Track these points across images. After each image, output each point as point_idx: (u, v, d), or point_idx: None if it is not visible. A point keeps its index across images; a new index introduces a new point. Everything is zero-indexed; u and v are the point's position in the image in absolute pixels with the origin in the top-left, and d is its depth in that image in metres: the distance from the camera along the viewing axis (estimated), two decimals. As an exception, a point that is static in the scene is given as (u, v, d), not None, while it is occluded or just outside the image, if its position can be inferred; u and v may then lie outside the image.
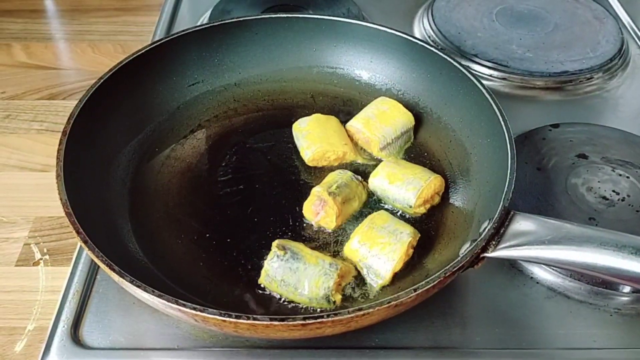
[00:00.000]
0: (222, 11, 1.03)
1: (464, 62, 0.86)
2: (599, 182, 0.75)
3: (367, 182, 0.70)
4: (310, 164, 0.74)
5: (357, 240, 0.63)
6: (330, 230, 0.67)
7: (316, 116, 0.77)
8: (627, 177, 0.75)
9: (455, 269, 0.53)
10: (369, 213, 0.67)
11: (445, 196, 0.71)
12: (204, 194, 0.71)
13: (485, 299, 0.66)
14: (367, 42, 0.82)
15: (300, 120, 0.77)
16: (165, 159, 0.75)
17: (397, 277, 0.62)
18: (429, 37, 1.01)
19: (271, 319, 0.49)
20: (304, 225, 0.68)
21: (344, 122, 0.77)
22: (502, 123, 0.66)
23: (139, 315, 0.63)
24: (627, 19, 1.08)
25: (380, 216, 0.65)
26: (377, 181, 0.70)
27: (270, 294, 0.62)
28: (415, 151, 0.76)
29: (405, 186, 0.68)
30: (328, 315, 0.49)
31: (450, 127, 0.76)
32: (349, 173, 0.70)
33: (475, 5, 1.06)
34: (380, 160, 0.74)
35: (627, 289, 0.65)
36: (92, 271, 0.67)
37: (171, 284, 0.61)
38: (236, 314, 0.50)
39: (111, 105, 0.72)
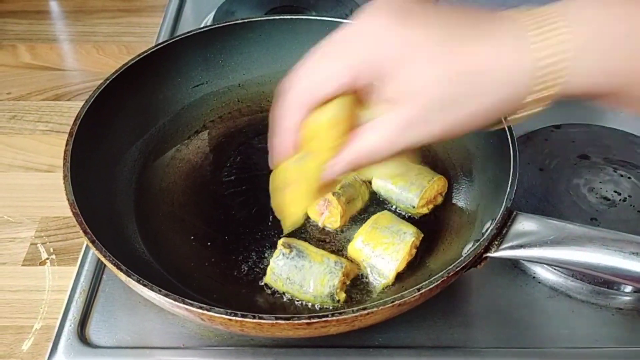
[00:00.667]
0: (226, 12, 1.03)
1: (466, 63, 0.86)
2: (600, 182, 0.75)
3: (370, 183, 0.71)
4: (314, 165, 0.74)
5: (360, 240, 0.64)
6: (334, 230, 0.68)
7: (319, 116, 0.77)
8: (629, 178, 0.76)
9: (458, 269, 0.54)
10: (373, 213, 0.67)
11: (448, 196, 0.71)
12: (208, 194, 0.72)
13: (487, 298, 0.66)
14: (370, 43, 0.83)
15: (304, 121, 0.77)
16: (170, 160, 0.75)
17: (400, 277, 0.63)
18: (432, 38, 1.01)
19: (277, 318, 0.50)
20: (309, 224, 0.69)
21: (347, 123, 0.77)
22: (505, 123, 0.66)
23: (145, 314, 0.64)
24: (629, 20, 1.09)
25: (384, 216, 0.65)
26: (381, 182, 0.70)
27: (275, 292, 0.62)
28: (418, 152, 0.77)
29: (408, 187, 0.68)
30: (333, 315, 0.50)
31: (453, 128, 0.76)
32: (352, 173, 0.70)
33: (478, 7, 1.06)
34: (383, 161, 0.74)
35: (628, 288, 0.66)
36: (98, 271, 0.68)
37: (177, 283, 0.62)
38: (242, 312, 0.50)
39: (116, 107, 0.72)
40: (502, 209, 0.58)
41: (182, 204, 0.71)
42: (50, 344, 0.62)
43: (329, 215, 0.67)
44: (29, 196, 0.84)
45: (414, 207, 0.68)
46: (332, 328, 0.52)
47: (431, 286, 0.52)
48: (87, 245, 0.70)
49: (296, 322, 0.50)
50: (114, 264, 0.54)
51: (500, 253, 0.56)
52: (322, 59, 0.48)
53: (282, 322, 0.50)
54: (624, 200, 0.73)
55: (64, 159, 0.62)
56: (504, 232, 0.57)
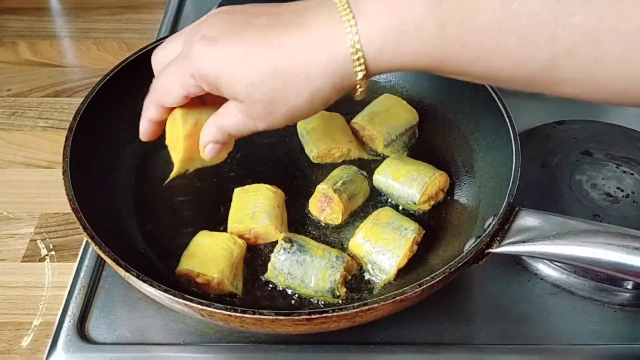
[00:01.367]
0: (226, 9, 1.03)
1: (468, 59, 0.85)
2: (603, 179, 0.75)
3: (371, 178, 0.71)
4: (315, 161, 0.74)
5: (361, 236, 0.63)
6: (335, 226, 0.67)
7: (321, 113, 0.76)
8: (632, 174, 0.75)
9: (460, 264, 0.53)
10: (374, 209, 0.67)
11: (449, 193, 0.71)
12: (209, 190, 0.71)
13: (489, 294, 0.66)
14: (372, 39, 0.82)
15: (305, 117, 0.77)
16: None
17: (401, 273, 0.63)
18: (433, 34, 1.00)
19: (277, 314, 0.50)
20: (310, 220, 0.68)
21: (348, 119, 0.77)
22: (507, 120, 0.66)
23: (144, 310, 0.64)
24: (632, 16, 1.08)
25: (385, 212, 0.65)
26: (382, 178, 0.70)
27: (276, 288, 0.62)
28: (420, 148, 0.76)
29: (410, 183, 0.68)
30: (333, 310, 0.50)
31: (455, 124, 0.76)
32: (354, 168, 0.70)
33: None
34: (385, 156, 0.74)
35: (631, 284, 0.65)
36: (98, 267, 0.68)
37: (177, 279, 0.62)
38: (242, 308, 0.50)
39: (116, 102, 0.72)
40: (504, 204, 0.57)
41: (182, 199, 0.71)
42: (50, 340, 0.62)
43: (330, 212, 0.67)
44: (28, 192, 0.83)
45: (415, 203, 0.68)
46: (332, 324, 0.52)
47: (433, 282, 0.52)
48: (86, 242, 0.69)
49: (296, 318, 0.50)
50: (114, 260, 0.54)
51: (502, 249, 0.56)
52: (170, 68, 0.52)
53: (282, 317, 0.50)
54: (627, 196, 0.73)
55: (64, 154, 0.62)
56: (506, 227, 0.56)
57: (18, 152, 0.89)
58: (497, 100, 0.68)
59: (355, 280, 0.63)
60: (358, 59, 0.45)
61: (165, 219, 0.69)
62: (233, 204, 0.67)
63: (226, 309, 0.50)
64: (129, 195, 0.70)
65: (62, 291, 0.67)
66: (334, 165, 0.73)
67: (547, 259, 0.66)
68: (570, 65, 0.41)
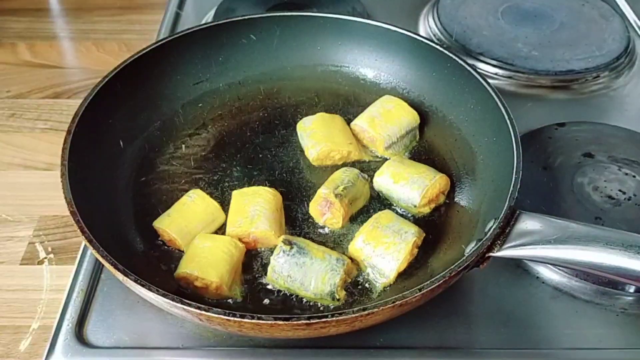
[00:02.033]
0: (226, 9, 1.03)
1: (469, 61, 0.85)
2: (605, 181, 0.74)
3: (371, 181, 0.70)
4: (314, 163, 0.74)
5: (361, 239, 0.63)
6: (335, 229, 0.67)
7: (321, 115, 0.76)
8: (634, 176, 0.75)
9: (460, 268, 0.53)
10: (374, 212, 0.66)
11: (450, 195, 0.70)
12: (208, 192, 0.71)
13: (490, 298, 0.65)
14: (372, 40, 0.82)
15: (304, 119, 0.76)
16: (169, 158, 0.75)
17: (401, 276, 0.62)
18: (434, 35, 1.00)
19: (275, 319, 0.49)
20: (310, 223, 0.68)
21: (348, 121, 0.77)
22: (508, 122, 0.66)
23: (143, 314, 0.63)
24: (634, 17, 1.08)
25: (385, 215, 0.65)
26: (382, 180, 0.69)
27: (276, 291, 0.61)
28: (421, 150, 0.76)
29: (410, 185, 0.68)
30: (332, 315, 0.49)
31: (456, 126, 0.75)
32: (356, 171, 0.69)
33: (481, 4, 1.05)
34: (385, 158, 0.73)
35: (633, 288, 0.65)
36: (97, 270, 0.67)
37: (175, 282, 0.61)
38: (240, 313, 0.49)
39: (115, 104, 0.72)
40: (505, 207, 0.57)
41: (181, 202, 0.70)
42: (48, 344, 0.61)
43: (330, 216, 0.67)
44: (27, 195, 0.83)
45: (415, 206, 0.67)
46: (331, 328, 0.51)
47: (433, 286, 0.52)
48: (85, 244, 0.69)
49: (295, 322, 0.49)
50: (112, 264, 0.53)
51: (503, 252, 0.55)
52: None
53: (281, 322, 0.49)
54: (629, 199, 0.72)
55: (62, 157, 0.62)
56: (507, 231, 0.56)
57: (17, 154, 0.89)
58: (498, 102, 0.68)
59: (355, 284, 0.62)
60: None
61: (164, 221, 0.68)
62: (231, 207, 0.67)
63: (224, 314, 0.49)
64: (128, 198, 0.70)
65: (61, 294, 0.66)
66: (334, 167, 0.72)
67: (548, 263, 0.65)
68: None
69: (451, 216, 0.68)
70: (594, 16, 1.04)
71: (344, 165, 0.73)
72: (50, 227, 0.78)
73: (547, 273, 0.67)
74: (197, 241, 0.63)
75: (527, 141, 0.78)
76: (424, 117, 0.78)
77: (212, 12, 1.04)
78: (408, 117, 0.75)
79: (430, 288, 0.52)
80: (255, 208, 0.65)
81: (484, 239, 0.55)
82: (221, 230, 0.67)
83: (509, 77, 0.92)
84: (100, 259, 0.54)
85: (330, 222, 0.67)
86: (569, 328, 0.63)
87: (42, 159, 0.88)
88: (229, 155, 0.76)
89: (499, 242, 0.55)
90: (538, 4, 1.06)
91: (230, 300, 0.61)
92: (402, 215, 0.67)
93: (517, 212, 0.57)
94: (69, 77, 1.03)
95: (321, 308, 0.60)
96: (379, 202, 0.70)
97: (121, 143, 0.72)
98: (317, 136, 0.74)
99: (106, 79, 0.71)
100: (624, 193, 0.73)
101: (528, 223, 0.56)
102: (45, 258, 0.75)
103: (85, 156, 0.65)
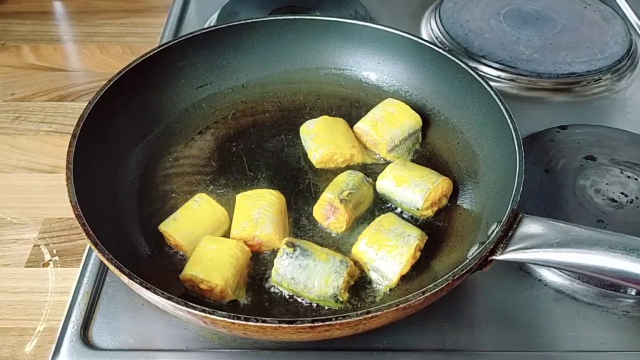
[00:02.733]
0: (229, 13, 1.03)
1: (471, 64, 0.86)
2: (607, 184, 0.75)
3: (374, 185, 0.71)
4: (318, 166, 0.74)
5: (364, 242, 0.63)
6: (338, 232, 0.67)
7: (324, 118, 0.77)
8: (636, 179, 0.75)
9: (463, 271, 0.53)
10: (377, 215, 0.67)
11: (453, 198, 0.70)
12: (212, 195, 0.71)
13: (493, 301, 0.66)
14: (375, 43, 0.82)
15: (307, 122, 0.77)
16: (173, 161, 0.75)
17: (404, 279, 0.63)
18: (437, 38, 1.00)
19: (280, 322, 0.50)
20: (313, 226, 0.68)
21: (351, 124, 0.77)
22: (510, 125, 0.66)
23: (148, 316, 0.64)
24: (636, 20, 1.08)
25: (388, 219, 0.65)
26: (385, 183, 0.70)
27: (281, 294, 0.62)
28: (423, 153, 0.76)
29: (413, 188, 0.68)
30: (336, 318, 0.50)
31: (458, 129, 0.76)
32: (360, 175, 0.70)
33: (483, 7, 1.06)
34: (388, 161, 0.74)
35: (635, 291, 0.65)
36: (102, 272, 0.68)
37: (180, 285, 0.62)
38: (245, 316, 0.50)
39: (120, 107, 0.72)
40: (507, 211, 0.57)
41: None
42: (53, 346, 0.62)
43: (334, 220, 0.67)
44: (32, 197, 0.84)
45: (418, 209, 0.68)
46: (335, 332, 0.52)
47: (436, 289, 0.52)
48: (90, 247, 0.69)
49: (299, 325, 0.50)
50: (117, 267, 0.54)
51: (506, 256, 0.55)
52: None
53: (286, 325, 0.50)
54: (631, 202, 0.73)
55: (67, 160, 0.62)
56: (510, 234, 0.56)
57: (22, 157, 0.89)
58: (501, 105, 0.68)
59: (358, 287, 0.62)
60: None
61: (168, 224, 0.69)
62: (236, 210, 0.67)
63: (229, 317, 0.50)
64: (133, 201, 0.70)
65: (66, 297, 0.67)
66: (337, 170, 0.72)
67: (550, 266, 0.65)
68: None
69: (454, 219, 0.69)
70: (596, 19, 1.04)
71: (347, 168, 0.74)
72: (55, 230, 0.79)
73: (549, 276, 0.67)
74: (203, 243, 0.63)
75: (529, 144, 0.79)
76: (427, 120, 0.78)
77: (215, 16, 1.04)
78: (410, 120, 0.76)
79: (433, 291, 0.52)
80: (259, 211, 0.65)
81: (486, 242, 0.56)
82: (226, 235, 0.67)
83: (511, 80, 0.92)
84: (105, 262, 0.54)
85: (334, 226, 0.67)
86: (571, 330, 0.63)
87: (46, 161, 0.89)
88: (233, 159, 0.76)
89: (501, 245, 0.56)
90: (540, 6, 1.06)
91: (235, 303, 0.61)
92: (404, 219, 0.68)
93: (520, 215, 0.57)
94: (73, 80, 1.03)
95: (326, 310, 0.60)
96: (381, 205, 0.70)
97: (126, 146, 0.73)
98: (320, 139, 0.74)
99: (110, 83, 0.71)
100: (626, 196, 0.73)
101: (530, 226, 0.57)
102: (50, 260, 0.76)
103: (90, 159, 0.65)
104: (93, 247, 0.55)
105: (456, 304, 0.65)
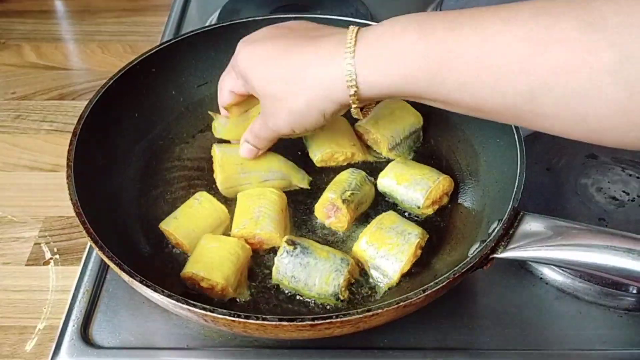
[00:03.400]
0: (230, 11, 1.03)
1: (472, 62, 0.85)
2: (608, 182, 0.74)
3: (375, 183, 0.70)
4: (318, 165, 0.74)
5: (365, 240, 0.63)
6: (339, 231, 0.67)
7: (324, 116, 0.76)
8: (638, 178, 0.75)
9: (464, 269, 0.53)
10: (378, 213, 0.67)
11: (454, 197, 0.70)
12: (213, 193, 0.71)
13: (494, 299, 0.66)
14: (376, 42, 0.82)
15: (308, 120, 0.76)
16: (174, 159, 0.75)
17: (405, 277, 0.62)
18: (438, 36, 1.00)
19: (280, 320, 0.50)
20: (314, 224, 0.68)
21: (352, 123, 0.77)
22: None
23: (148, 314, 0.64)
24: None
25: (389, 217, 0.65)
26: (386, 182, 0.69)
27: (282, 292, 0.62)
28: (424, 151, 0.76)
29: (414, 187, 0.68)
30: (337, 316, 0.50)
31: (459, 127, 0.75)
32: (362, 174, 0.69)
33: (484, 6, 1.05)
34: (389, 160, 0.74)
35: (636, 289, 0.65)
36: (102, 270, 0.68)
37: (181, 283, 0.62)
38: (245, 314, 0.50)
39: (120, 106, 0.72)
40: (508, 209, 0.57)
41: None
42: (54, 345, 0.62)
43: (336, 220, 0.67)
44: (33, 196, 0.83)
45: (419, 208, 0.68)
46: (336, 330, 0.51)
47: (437, 287, 0.52)
48: (90, 245, 0.69)
49: (300, 323, 0.50)
50: (117, 264, 0.54)
51: (507, 254, 0.55)
52: (227, 74, 0.66)
53: (286, 323, 0.50)
54: (633, 200, 0.73)
55: (68, 158, 0.62)
56: (511, 232, 0.56)
57: (22, 155, 0.89)
58: (502, 104, 0.68)
59: (359, 285, 0.62)
60: (350, 80, 0.51)
61: (169, 222, 0.69)
62: (237, 208, 0.67)
63: (229, 315, 0.50)
64: (133, 199, 0.70)
65: (66, 295, 0.67)
66: (338, 168, 0.72)
67: (551, 264, 0.65)
68: (547, 99, 0.43)
69: (455, 217, 0.69)
70: (598, 17, 1.03)
71: (349, 166, 0.73)
72: (55, 228, 0.79)
73: (550, 274, 0.67)
74: (204, 242, 0.63)
75: (531, 142, 0.78)
76: (428, 118, 0.78)
77: (216, 14, 1.04)
78: (412, 119, 0.76)
79: (434, 289, 0.52)
80: (260, 209, 0.65)
81: (487, 240, 0.55)
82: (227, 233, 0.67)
83: (513, 79, 0.92)
84: (106, 260, 0.54)
85: (335, 226, 0.67)
86: (572, 329, 0.63)
87: (47, 160, 0.88)
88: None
89: (502, 243, 0.56)
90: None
91: (236, 301, 0.61)
92: (405, 217, 0.67)
93: (521, 213, 0.57)
94: (74, 79, 1.03)
95: (327, 308, 0.60)
96: (382, 203, 0.70)
97: (126, 144, 0.73)
98: (320, 138, 0.74)
99: (111, 81, 0.71)
100: (628, 194, 0.73)
101: (532, 224, 0.56)
102: (51, 259, 0.76)
103: (91, 157, 0.65)
104: (93, 245, 0.55)
105: (457, 303, 0.65)
